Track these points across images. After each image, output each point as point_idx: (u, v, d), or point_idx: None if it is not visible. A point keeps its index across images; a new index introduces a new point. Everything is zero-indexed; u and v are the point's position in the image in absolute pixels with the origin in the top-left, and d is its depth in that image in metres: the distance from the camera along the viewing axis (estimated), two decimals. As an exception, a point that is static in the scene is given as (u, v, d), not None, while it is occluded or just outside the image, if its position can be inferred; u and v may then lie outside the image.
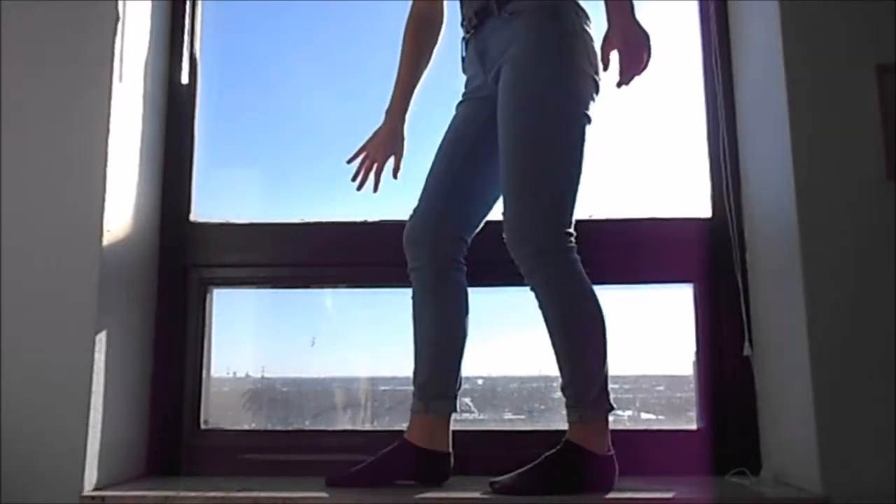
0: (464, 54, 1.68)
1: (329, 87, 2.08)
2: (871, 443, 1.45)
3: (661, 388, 2.02)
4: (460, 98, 1.69)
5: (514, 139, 1.47)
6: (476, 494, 1.45)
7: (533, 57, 1.49)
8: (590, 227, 1.84)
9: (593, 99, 1.56)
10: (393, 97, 1.72)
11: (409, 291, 1.61)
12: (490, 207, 1.62)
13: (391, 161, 1.70)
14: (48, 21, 1.69)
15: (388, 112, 1.72)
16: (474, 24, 1.58)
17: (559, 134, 1.48)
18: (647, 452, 1.75)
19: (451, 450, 1.52)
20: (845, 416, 1.47)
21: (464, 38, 1.66)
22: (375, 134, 1.71)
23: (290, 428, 1.93)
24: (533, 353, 1.76)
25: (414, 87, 1.72)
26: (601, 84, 1.58)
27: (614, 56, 1.50)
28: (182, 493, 1.50)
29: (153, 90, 1.87)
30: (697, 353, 1.84)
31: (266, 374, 2.02)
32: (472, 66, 1.65)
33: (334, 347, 1.91)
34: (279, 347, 2.03)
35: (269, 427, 1.99)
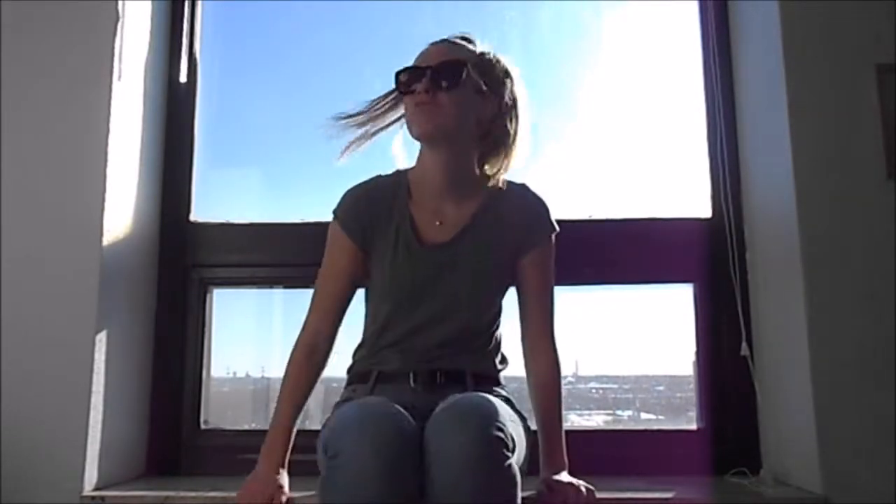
0: None
1: (329, 87, 2.08)
2: (871, 443, 1.45)
3: (661, 388, 2.02)
4: None
5: None
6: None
7: None
8: (590, 227, 1.85)
9: None
10: (271, 438, 1.38)
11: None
12: None
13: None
14: (48, 21, 1.69)
15: (263, 456, 1.38)
16: None
17: None
18: (647, 452, 1.75)
19: None
20: (845, 416, 1.47)
21: None
22: (247, 482, 1.36)
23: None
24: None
25: (295, 424, 1.40)
26: None
27: None
28: (182, 493, 1.50)
29: (153, 90, 1.86)
30: (697, 353, 1.84)
31: (266, 374, 2.02)
32: None
33: (334, 347, 1.91)
34: (279, 347, 2.03)
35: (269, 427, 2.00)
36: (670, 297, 1.92)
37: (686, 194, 1.90)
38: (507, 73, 1.47)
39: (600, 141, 1.99)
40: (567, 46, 2.07)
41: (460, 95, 1.41)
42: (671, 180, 1.94)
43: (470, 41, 1.49)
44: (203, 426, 1.86)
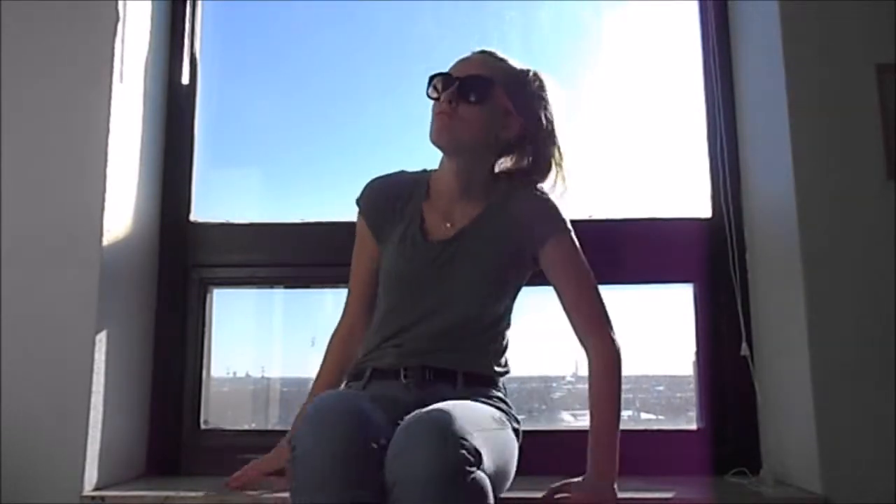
0: None
1: (329, 87, 2.08)
2: (871, 443, 1.45)
3: (661, 388, 2.01)
4: None
5: None
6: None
7: None
8: (590, 227, 1.84)
9: None
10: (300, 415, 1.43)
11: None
12: None
13: None
14: (48, 21, 1.69)
15: (292, 427, 1.47)
16: None
17: None
18: (647, 452, 1.75)
19: None
20: (845, 415, 1.47)
21: None
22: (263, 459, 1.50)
23: (290, 428, 1.92)
24: (533, 353, 1.77)
25: None
26: None
27: None
28: (182, 493, 1.50)
29: (153, 90, 1.86)
30: (697, 353, 1.84)
31: (266, 374, 2.02)
32: None
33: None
34: (279, 347, 2.03)
35: (269, 427, 2.00)
36: (670, 297, 1.92)
37: (686, 194, 1.90)
38: (540, 96, 1.48)
39: (600, 141, 1.99)
40: (567, 46, 2.07)
41: (483, 112, 1.42)
42: (671, 180, 1.94)
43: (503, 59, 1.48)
44: (203, 426, 1.86)
